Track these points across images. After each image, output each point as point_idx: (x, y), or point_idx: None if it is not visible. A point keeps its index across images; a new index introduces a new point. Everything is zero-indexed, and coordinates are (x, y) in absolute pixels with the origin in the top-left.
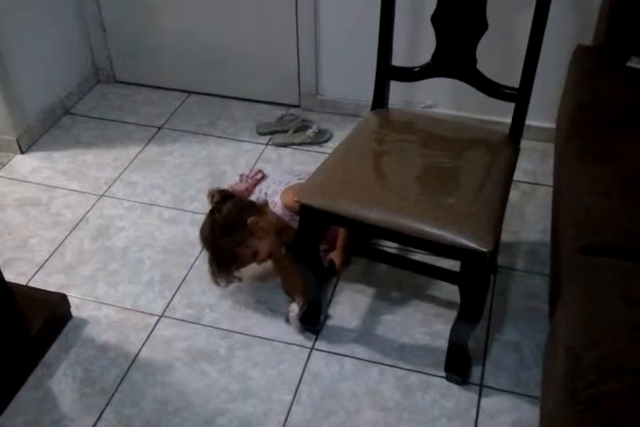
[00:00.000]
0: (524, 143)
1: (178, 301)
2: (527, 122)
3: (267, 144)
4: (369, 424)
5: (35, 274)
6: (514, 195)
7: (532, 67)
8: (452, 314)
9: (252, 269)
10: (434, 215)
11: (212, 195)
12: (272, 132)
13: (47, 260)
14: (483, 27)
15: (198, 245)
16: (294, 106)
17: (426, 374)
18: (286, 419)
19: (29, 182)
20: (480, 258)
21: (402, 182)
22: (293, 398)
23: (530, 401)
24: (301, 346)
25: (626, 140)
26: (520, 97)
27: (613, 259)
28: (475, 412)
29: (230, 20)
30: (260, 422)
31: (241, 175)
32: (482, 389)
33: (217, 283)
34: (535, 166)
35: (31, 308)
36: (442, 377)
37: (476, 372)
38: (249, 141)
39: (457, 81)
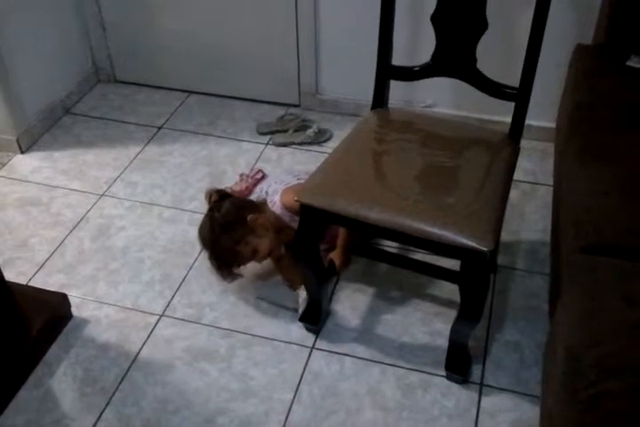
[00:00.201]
0: (523, 143)
1: (178, 300)
2: (527, 121)
3: (267, 144)
4: (369, 423)
5: (35, 274)
6: (514, 194)
7: (532, 66)
8: (453, 313)
9: (252, 268)
10: (434, 215)
11: (209, 194)
12: (272, 132)
13: (47, 259)
14: (483, 26)
15: (198, 245)
16: (294, 105)
17: (426, 373)
18: (287, 418)
19: (30, 182)
20: (480, 257)
21: (402, 182)
22: (294, 397)
23: (530, 400)
24: (302, 345)
25: (626, 139)
26: (520, 96)
27: (613, 258)
28: (475, 411)
29: (230, 19)
30: (261, 421)
31: (241, 175)
32: (482, 388)
33: (222, 279)
34: (535, 166)
35: (31, 307)
36: (442, 376)
37: (476, 371)
38: (249, 141)
39: (457, 80)
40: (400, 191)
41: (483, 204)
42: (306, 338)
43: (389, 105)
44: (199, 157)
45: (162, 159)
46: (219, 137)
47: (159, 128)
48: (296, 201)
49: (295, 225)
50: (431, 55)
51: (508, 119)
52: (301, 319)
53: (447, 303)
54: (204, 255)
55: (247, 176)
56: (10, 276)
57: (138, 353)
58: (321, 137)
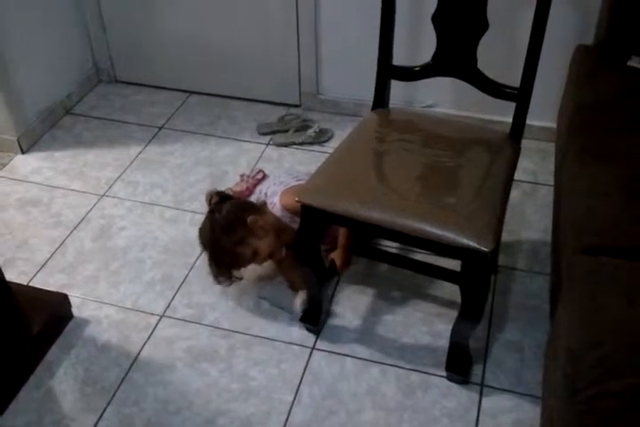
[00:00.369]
0: (524, 143)
1: (179, 300)
2: (528, 121)
3: (267, 144)
4: (370, 424)
5: (36, 274)
6: (514, 194)
7: (532, 66)
8: (453, 314)
9: (252, 268)
10: (435, 215)
11: (209, 196)
12: (273, 132)
13: (48, 259)
14: (483, 26)
15: (199, 245)
16: (295, 106)
17: (427, 373)
18: (287, 419)
19: (30, 182)
20: (481, 257)
21: (402, 182)
22: (294, 397)
23: (531, 401)
24: (302, 346)
25: (627, 139)
26: (521, 96)
27: (614, 258)
28: (476, 411)
29: (231, 19)
30: (261, 421)
31: (242, 175)
32: (483, 388)
33: (219, 282)
34: (536, 166)
35: (32, 308)
36: (443, 377)
37: (476, 371)
38: (250, 141)
39: (458, 80)
40: (401, 191)
41: (483, 204)
42: (306, 338)
43: (390, 105)
44: (200, 157)
45: (162, 159)
46: (219, 137)
47: (160, 128)
48: (297, 201)
49: (295, 226)
50: (432, 55)
51: (509, 119)
52: (302, 320)
53: (448, 304)
54: (205, 257)
55: (248, 176)
56: (10, 276)
57: (138, 353)
58: (322, 137)
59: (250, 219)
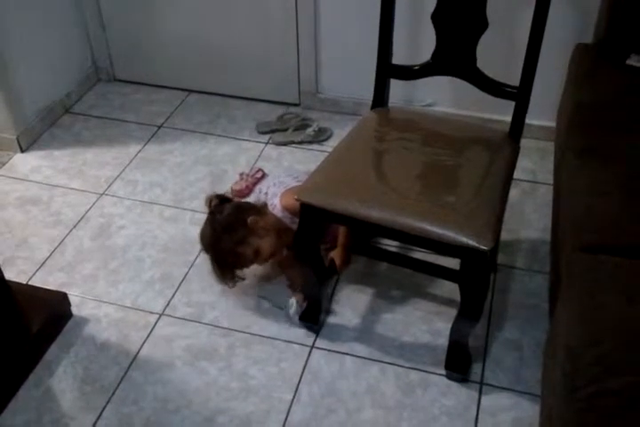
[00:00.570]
0: (524, 142)
1: (178, 299)
2: (527, 120)
3: (267, 143)
4: (369, 422)
5: (35, 272)
6: (514, 193)
7: (532, 65)
8: (453, 312)
9: (252, 267)
10: (434, 214)
11: (209, 200)
12: (272, 131)
13: (47, 258)
14: (483, 25)
15: (198, 244)
16: (294, 104)
17: (426, 371)
18: (286, 417)
19: (30, 181)
20: (480, 256)
21: (402, 181)
22: (294, 396)
23: (530, 399)
24: (302, 344)
25: (626, 138)
26: (520, 95)
27: (613, 257)
28: (475, 410)
29: (230, 18)
30: (261, 420)
31: (241, 174)
32: (482, 386)
33: (224, 283)
34: (535, 165)
35: (31, 306)
36: (442, 375)
37: (476, 370)
38: (249, 140)
39: (457, 79)
40: (400, 190)
41: (483, 203)
42: (306, 337)
43: (389, 104)
44: (199, 155)
45: (162, 158)
46: (219, 136)
47: (159, 127)
48: (296, 200)
49: (296, 227)
50: (431, 54)
51: (509, 118)
52: (302, 319)
53: (447, 302)
54: (204, 256)
55: (247, 175)
56: (10, 275)
57: (138, 352)
58: (321, 136)
59: (250, 219)
